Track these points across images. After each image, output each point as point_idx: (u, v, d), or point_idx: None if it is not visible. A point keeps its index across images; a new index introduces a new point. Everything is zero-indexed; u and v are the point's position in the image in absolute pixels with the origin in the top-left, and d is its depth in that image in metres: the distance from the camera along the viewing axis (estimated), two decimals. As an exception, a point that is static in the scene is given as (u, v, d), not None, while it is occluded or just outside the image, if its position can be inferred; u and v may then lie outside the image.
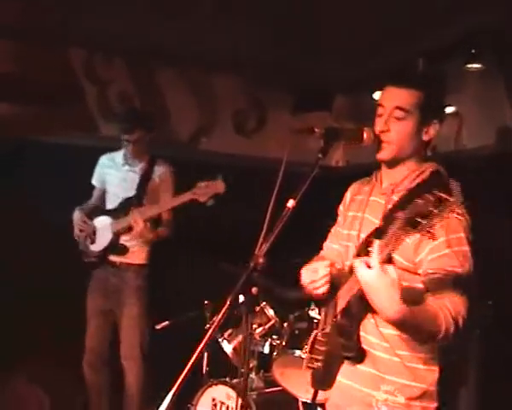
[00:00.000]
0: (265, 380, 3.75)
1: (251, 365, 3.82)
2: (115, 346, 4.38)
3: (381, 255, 1.87)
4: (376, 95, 5.04)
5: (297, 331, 3.65)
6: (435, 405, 2.14)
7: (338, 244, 2.44)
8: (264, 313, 3.88)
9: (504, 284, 3.84)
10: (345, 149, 5.85)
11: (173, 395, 1.79)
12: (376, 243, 1.89)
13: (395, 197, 2.16)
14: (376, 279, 1.84)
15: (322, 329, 2.28)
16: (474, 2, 3.58)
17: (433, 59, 4.21)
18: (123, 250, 4.33)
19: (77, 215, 4.46)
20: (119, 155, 4.48)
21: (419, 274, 2.07)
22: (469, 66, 4.15)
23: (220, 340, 3.85)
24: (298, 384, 3.59)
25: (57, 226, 4.59)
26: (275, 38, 4.44)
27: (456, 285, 1.98)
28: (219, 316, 1.88)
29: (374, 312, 2.02)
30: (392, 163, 2.22)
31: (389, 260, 1.95)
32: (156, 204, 4.32)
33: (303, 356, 3.54)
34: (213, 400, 3.71)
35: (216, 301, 4.15)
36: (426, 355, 2.13)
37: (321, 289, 2.17)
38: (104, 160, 4.55)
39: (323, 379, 2.24)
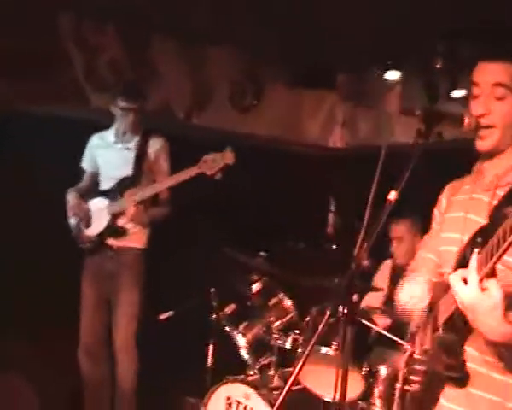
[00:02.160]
0: (285, 378, 3.47)
1: (268, 360, 3.57)
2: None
3: (482, 271, 1.58)
4: (388, 74, 4.81)
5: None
6: None
7: (433, 253, 2.11)
8: (283, 305, 3.61)
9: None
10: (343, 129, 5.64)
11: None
12: (475, 254, 1.61)
13: (500, 192, 1.86)
14: (474, 300, 1.59)
15: (421, 346, 1.98)
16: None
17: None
18: (121, 233, 4.02)
19: (71, 197, 4.11)
20: (109, 134, 4.16)
21: None
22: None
23: (235, 333, 3.57)
24: (322, 383, 3.35)
25: (44, 202, 4.39)
26: (276, 14, 4.18)
27: None
28: (319, 330, 1.60)
29: None
30: (494, 153, 1.92)
31: (493, 271, 1.64)
32: (152, 183, 4.03)
33: (330, 353, 3.31)
34: (228, 398, 3.42)
35: (221, 289, 3.88)
36: None
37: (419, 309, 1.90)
38: (94, 140, 4.22)
39: (422, 404, 1.93)
